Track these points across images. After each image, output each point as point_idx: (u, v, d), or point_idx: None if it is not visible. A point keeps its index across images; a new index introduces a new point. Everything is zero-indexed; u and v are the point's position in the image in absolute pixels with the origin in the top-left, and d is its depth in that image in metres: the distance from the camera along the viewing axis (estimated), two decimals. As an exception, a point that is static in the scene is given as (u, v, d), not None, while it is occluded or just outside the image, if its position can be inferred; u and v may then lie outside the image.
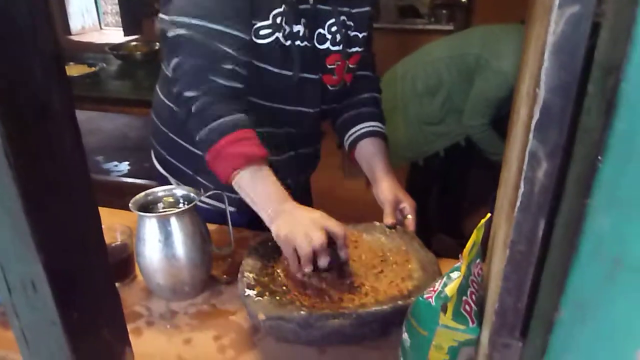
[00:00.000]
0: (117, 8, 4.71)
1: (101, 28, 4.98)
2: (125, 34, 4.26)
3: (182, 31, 0.90)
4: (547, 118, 0.39)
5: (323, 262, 0.84)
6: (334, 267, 0.88)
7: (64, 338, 0.50)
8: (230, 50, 0.92)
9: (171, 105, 1.11)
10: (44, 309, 0.49)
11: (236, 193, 1.08)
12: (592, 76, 0.33)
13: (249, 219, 1.21)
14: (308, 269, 0.84)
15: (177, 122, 1.08)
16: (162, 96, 1.16)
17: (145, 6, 4.17)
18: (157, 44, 3.04)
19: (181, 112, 0.94)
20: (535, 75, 0.40)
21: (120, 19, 4.47)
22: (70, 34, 4.59)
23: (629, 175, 0.30)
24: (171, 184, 1.17)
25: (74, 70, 2.68)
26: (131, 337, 0.69)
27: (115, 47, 3.02)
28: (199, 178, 1.15)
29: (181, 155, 1.15)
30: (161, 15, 0.97)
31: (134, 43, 3.20)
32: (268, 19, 0.94)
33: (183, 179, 1.17)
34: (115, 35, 4.62)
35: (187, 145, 1.12)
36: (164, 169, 1.21)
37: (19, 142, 0.41)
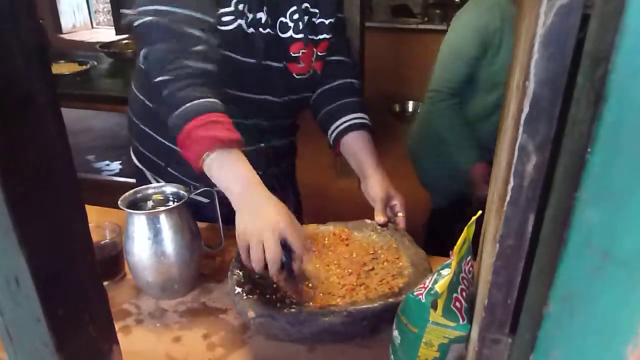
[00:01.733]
0: (108, 6, 4.69)
1: (92, 26, 4.95)
2: (117, 33, 4.24)
3: (148, 19, 0.89)
4: (536, 111, 0.38)
5: (272, 272, 0.80)
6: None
7: (49, 335, 0.50)
8: (199, 34, 0.90)
9: (143, 98, 1.12)
10: (28, 305, 0.48)
11: (208, 185, 1.08)
12: (582, 67, 0.33)
13: (227, 212, 1.20)
14: (257, 270, 0.82)
15: (149, 115, 1.10)
16: (134, 89, 1.16)
17: (137, 4, 4.15)
18: (149, 42, 3.02)
19: (154, 100, 0.93)
20: (525, 68, 0.39)
21: (112, 18, 4.44)
22: (61, 32, 4.56)
23: (618, 168, 0.30)
24: (147, 177, 1.20)
25: (64, 68, 2.66)
26: (120, 336, 0.68)
27: (106, 45, 3.00)
28: (170, 169, 1.15)
29: (153, 148, 1.15)
30: (124, 11, 0.96)
31: (126, 41, 3.18)
32: (230, 5, 0.94)
33: (157, 171, 1.18)
34: (106, 33, 4.59)
35: (159, 138, 1.12)
36: (139, 162, 1.22)
37: (1, 134, 0.40)
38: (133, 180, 1.27)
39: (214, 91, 0.90)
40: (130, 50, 2.93)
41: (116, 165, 3.62)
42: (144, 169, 1.21)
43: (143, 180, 1.21)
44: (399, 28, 3.89)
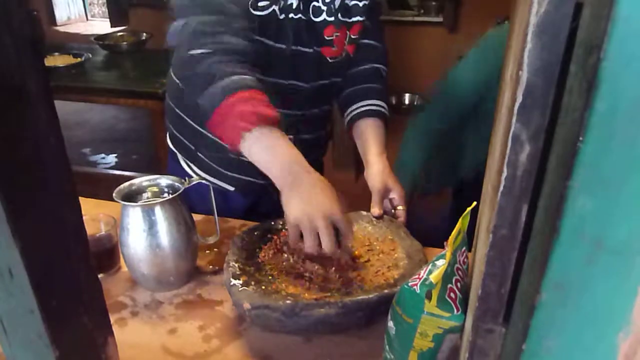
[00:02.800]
0: (103, -2, 4.65)
1: (87, 19, 4.91)
2: (112, 25, 4.21)
3: None
4: (530, 100, 0.38)
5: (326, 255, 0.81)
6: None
7: (43, 326, 0.50)
8: (236, 11, 0.90)
9: (178, 81, 1.12)
10: (22, 296, 0.48)
11: (236, 172, 1.08)
12: (574, 56, 0.33)
13: (251, 202, 1.21)
14: (309, 254, 0.82)
15: (182, 97, 1.10)
16: (172, 73, 1.17)
17: (132, -4, 4.13)
18: (144, 34, 3.01)
19: (186, 74, 0.90)
20: (518, 58, 0.39)
21: (106, 10, 4.41)
22: (55, 24, 4.52)
23: (610, 155, 0.30)
24: (179, 161, 1.22)
25: (59, 60, 2.64)
26: (115, 328, 0.69)
27: (100, 38, 2.99)
28: (199, 154, 1.16)
29: (185, 131, 1.17)
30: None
31: (120, 34, 3.16)
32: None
33: (188, 155, 1.19)
34: (101, 26, 4.57)
35: (190, 121, 1.13)
36: (173, 145, 1.23)
37: (-8, 125, 0.40)
38: (129, 173, 1.28)
39: (252, 69, 0.88)
40: (125, 43, 2.92)
41: (112, 159, 3.62)
42: (177, 152, 1.22)
43: (175, 164, 1.23)
44: (395, 20, 3.87)
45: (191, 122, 1.14)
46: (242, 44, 0.89)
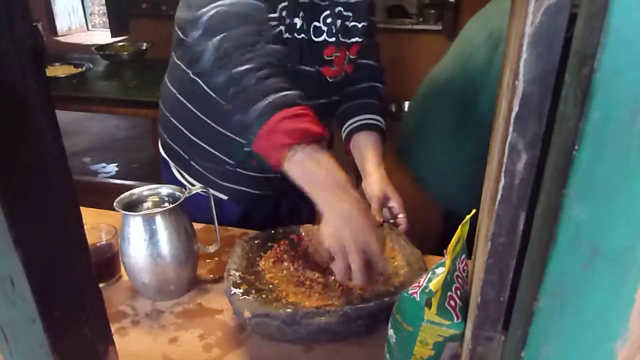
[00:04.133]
0: (104, 9, 4.68)
1: (88, 29, 4.94)
2: (113, 35, 4.24)
3: (219, 9, 0.87)
4: (526, 109, 0.39)
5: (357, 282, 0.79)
6: None
7: (44, 336, 0.50)
8: (266, 18, 0.91)
9: (175, 91, 1.13)
10: (23, 306, 0.48)
11: (230, 182, 1.09)
12: (569, 65, 0.33)
13: (244, 211, 1.22)
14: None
15: (179, 109, 1.12)
16: (168, 83, 1.18)
17: (132, 7, 4.15)
18: (145, 44, 3.03)
19: (229, 94, 0.86)
20: (514, 68, 0.40)
21: (107, 20, 4.44)
22: (56, 34, 4.55)
23: (604, 164, 0.30)
24: (171, 169, 1.23)
25: (60, 70, 2.65)
26: (116, 337, 0.69)
27: (101, 48, 3.01)
28: (193, 163, 1.17)
29: (180, 140, 1.17)
30: (180, 15, 0.96)
31: (121, 43, 3.18)
32: (276, 11, 0.95)
33: (181, 164, 1.20)
34: (102, 36, 4.59)
35: (186, 132, 1.14)
36: (165, 153, 1.24)
37: (-5, 136, 0.40)
38: (130, 182, 1.28)
39: (291, 81, 0.86)
40: (125, 53, 2.94)
41: (112, 168, 3.62)
42: (169, 160, 1.23)
43: (167, 171, 1.24)
44: (394, 28, 3.90)
45: (186, 132, 1.15)
46: (280, 50, 0.89)
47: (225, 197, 1.18)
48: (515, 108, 0.39)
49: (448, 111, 1.37)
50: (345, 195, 0.79)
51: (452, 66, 1.40)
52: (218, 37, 0.85)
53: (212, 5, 0.87)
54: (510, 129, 0.40)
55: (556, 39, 0.36)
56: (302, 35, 1.00)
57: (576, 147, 0.31)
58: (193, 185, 1.13)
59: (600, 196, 0.32)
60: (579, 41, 0.32)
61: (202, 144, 1.12)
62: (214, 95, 1.05)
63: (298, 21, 0.98)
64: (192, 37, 0.91)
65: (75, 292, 0.54)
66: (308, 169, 0.80)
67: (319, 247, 0.96)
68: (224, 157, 1.12)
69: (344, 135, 1.19)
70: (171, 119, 1.18)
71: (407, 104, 4.13)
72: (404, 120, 1.61)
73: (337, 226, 0.77)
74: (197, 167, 1.17)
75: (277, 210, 1.29)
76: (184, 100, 1.12)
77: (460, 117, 1.34)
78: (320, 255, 0.83)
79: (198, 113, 1.10)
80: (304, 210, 1.38)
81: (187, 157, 1.18)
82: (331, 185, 0.80)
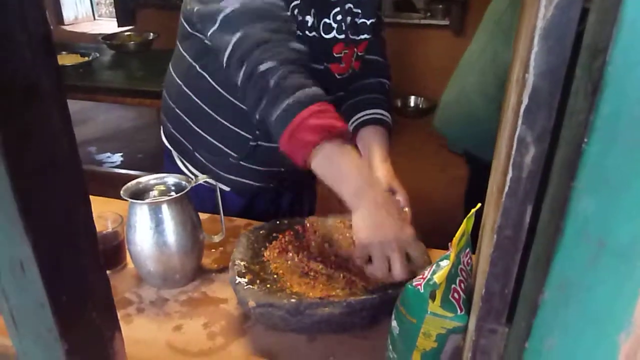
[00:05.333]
0: (111, -2, 4.68)
1: (95, 18, 4.94)
2: (119, 25, 4.24)
3: (239, 4, 0.87)
4: (535, 103, 0.39)
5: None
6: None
7: (53, 320, 0.50)
8: (287, 15, 0.90)
9: (180, 83, 1.13)
10: (33, 290, 0.49)
11: (232, 174, 1.10)
12: (580, 59, 0.33)
13: (246, 202, 1.22)
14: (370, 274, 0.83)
15: (185, 100, 1.12)
16: (173, 74, 1.18)
17: (139, -4, 4.15)
18: (151, 34, 3.03)
19: (250, 90, 0.87)
20: (525, 61, 0.40)
21: (114, 10, 4.44)
22: (63, 23, 4.55)
23: (614, 158, 0.31)
24: (174, 158, 1.23)
25: (66, 59, 2.66)
26: (122, 324, 0.69)
27: (108, 37, 3.01)
28: (197, 154, 1.17)
29: (184, 131, 1.17)
30: (190, 7, 0.96)
31: (128, 33, 3.18)
32: (288, 10, 0.94)
33: (185, 155, 1.20)
34: (108, 25, 4.60)
35: (191, 123, 1.14)
36: (169, 142, 1.24)
37: (7, 122, 0.41)
38: (135, 172, 1.29)
39: (310, 75, 0.87)
40: (132, 43, 2.94)
41: (117, 158, 3.63)
42: (172, 149, 1.23)
43: (170, 161, 1.24)
44: (402, 23, 3.88)
45: (190, 123, 1.15)
46: (302, 47, 0.90)
47: (227, 189, 1.18)
48: (525, 101, 0.39)
49: (485, 70, 1.59)
50: (374, 192, 0.80)
51: (483, 32, 1.65)
52: (238, 34, 0.86)
53: (231, 1, 0.87)
54: (519, 121, 0.40)
55: (568, 33, 0.36)
56: (314, 33, 1.00)
57: (585, 140, 0.31)
58: (196, 175, 1.14)
59: (608, 190, 0.32)
60: (591, 35, 0.32)
61: (207, 136, 1.13)
62: (221, 90, 1.06)
63: (310, 19, 0.98)
64: (208, 32, 0.91)
65: (83, 278, 0.54)
66: (334, 166, 0.81)
67: (349, 249, 0.96)
68: (228, 150, 1.12)
69: (350, 128, 1.19)
70: (176, 109, 1.18)
71: (412, 98, 4.12)
72: (443, 96, 1.82)
73: (370, 226, 0.78)
74: (200, 158, 1.17)
75: (279, 202, 1.30)
76: (190, 93, 1.12)
77: (496, 76, 1.52)
78: (353, 259, 0.84)
79: (204, 106, 1.10)
80: (305, 202, 1.38)
81: (191, 148, 1.18)
82: (358, 180, 0.80)
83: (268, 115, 0.85)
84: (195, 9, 0.95)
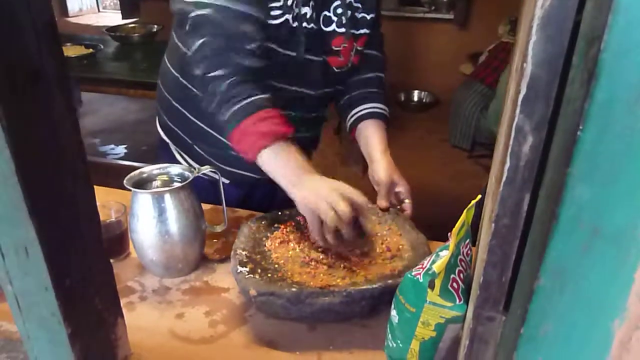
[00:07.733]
0: (115, -10, 4.67)
1: (99, 10, 4.94)
2: (124, 17, 4.24)
3: (204, 11, 0.91)
4: (533, 92, 0.39)
5: (347, 234, 0.86)
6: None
7: (56, 304, 0.51)
8: (252, 31, 0.93)
9: (176, 74, 1.13)
10: (37, 274, 0.49)
11: (231, 166, 1.11)
12: (577, 47, 0.34)
13: (244, 194, 1.23)
14: (331, 239, 0.86)
15: (181, 91, 1.12)
16: (168, 64, 1.18)
17: (143, -12, 4.15)
18: (155, 26, 3.03)
19: (203, 91, 0.96)
20: (523, 50, 0.40)
21: (118, 2, 4.44)
22: (67, 15, 4.56)
23: (608, 144, 0.31)
24: (171, 150, 1.22)
25: (71, 51, 2.66)
26: (125, 311, 0.70)
27: (112, 29, 3.01)
28: (196, 147, 1.17)
29: (181, 123, 1.17)
30: (176, 2, 0.98)
31: (132, 25, 3.18)
32: (279, 0, 0.95)
33: (182, 146, 1.20)
34: (113, 17, 4.59)
35: (189, 115, 1.14)
36: (165, 134, 1.24)
37: (12, 106, 0.41)
38: (138, 164, 1.29)
39: (262, 88, 0.95)
40: (136, 35, 2.94)
41: (121, 149, 3.64)
42: (169, 142, 1.23)
43: (167, 153, 1.24)
44: (406, 17, 3.88)
45: (191, 117, 1.14)
46: (256, 64, 0.95)
47: (226, 181, 1.18)
48: (523, 90, 0.39)
49: None
50: (312, 177, 0.89)
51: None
52: (199, 41, 0.93)
53: (201, 2, 0.91)
54: (517, 110, 0.40)
55: (566, 23, 0.36)
56: (312, 25, 1.01)
57: (581, 127, 0.31)
58: (194, 167, 1.14)
59: (602, 176, 0.32)
60: (588, 23, 0.33)
61: (205, 127, 1.12)
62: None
63: (308, 10, 0.99)
64: (183, 29, 0.96)
65: (86, 263, 0.55)
66: (278, 163, 0.91)
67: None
68: (225, 141, 1.13)
69: (349, 123, 1.19)
70: (172, 101, 1.17)
71: (415, 92, 4.11)
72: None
73: (309, 194, 0.87)
74: (199, 150, 1.17)
75: (275, 193, 1.30)
76: (186, 83, 1.11)
77: None
78: (313, 225, 0.89)
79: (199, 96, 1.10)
80: None
81: (189, 140, 1.18)
82: (298, 170, 0.90)
83: (219, 115, 0.93)
84: (177, 5, 0.97)
